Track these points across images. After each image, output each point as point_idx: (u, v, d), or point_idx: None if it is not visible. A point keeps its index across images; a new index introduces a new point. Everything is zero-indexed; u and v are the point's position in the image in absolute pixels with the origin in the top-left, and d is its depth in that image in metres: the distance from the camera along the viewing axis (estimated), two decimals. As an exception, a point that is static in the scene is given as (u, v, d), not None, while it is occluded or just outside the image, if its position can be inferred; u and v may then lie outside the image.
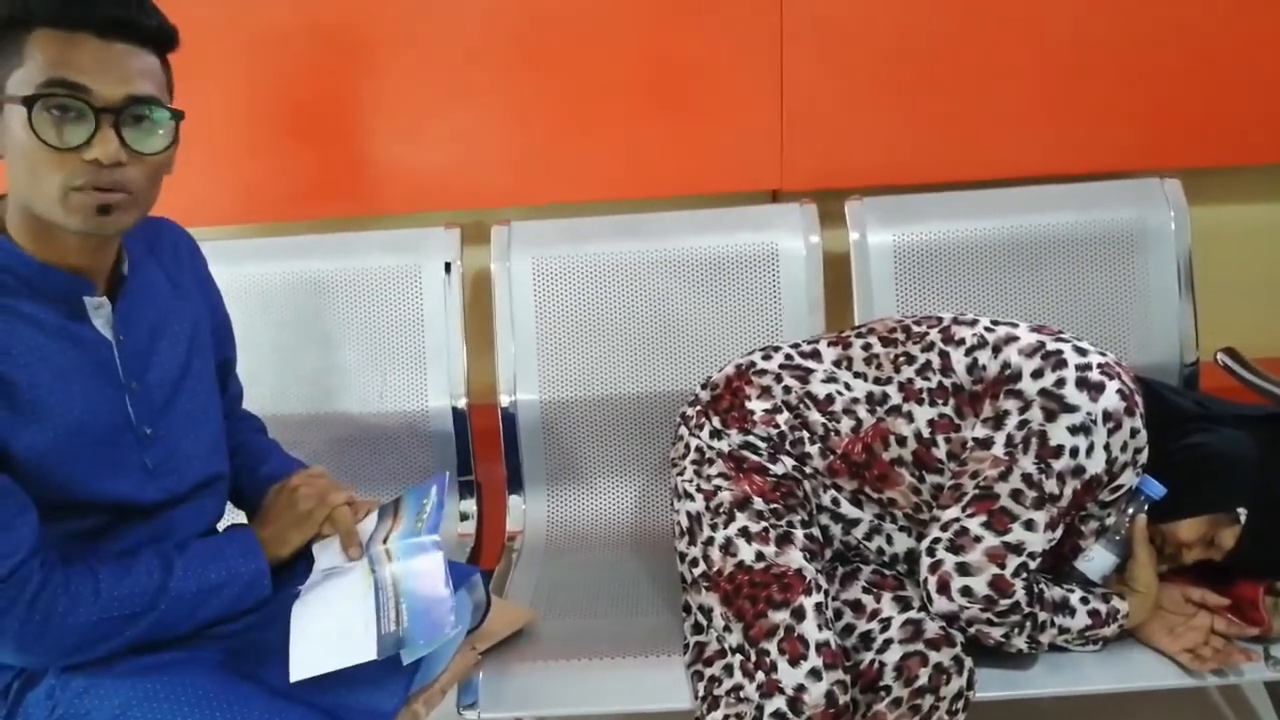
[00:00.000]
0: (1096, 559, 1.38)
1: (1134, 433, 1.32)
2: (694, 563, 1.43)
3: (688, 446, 1.50)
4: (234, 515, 1.44)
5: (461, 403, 1.83)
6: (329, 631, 1.21)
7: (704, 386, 1.56)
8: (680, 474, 1.49)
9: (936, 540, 1.32)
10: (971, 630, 1.32)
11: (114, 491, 1.15)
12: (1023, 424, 1.32)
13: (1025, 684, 1.37)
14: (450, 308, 1.82)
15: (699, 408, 1.52)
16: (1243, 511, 1.33)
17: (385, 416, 1.84)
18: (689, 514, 1.45)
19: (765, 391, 1.47)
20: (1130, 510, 1.36)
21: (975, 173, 1.84)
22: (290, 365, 1.83)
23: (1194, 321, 1.78)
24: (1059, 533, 1.32)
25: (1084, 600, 1.34)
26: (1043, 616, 1.31)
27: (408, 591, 1.22)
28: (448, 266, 1.83)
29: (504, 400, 1.82)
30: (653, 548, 1.75)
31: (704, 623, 1.41)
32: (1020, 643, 1.32)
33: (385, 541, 1.32)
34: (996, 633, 1.31)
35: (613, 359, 1.82)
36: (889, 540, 1.44)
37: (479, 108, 1.85)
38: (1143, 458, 1.34)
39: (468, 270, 1.87)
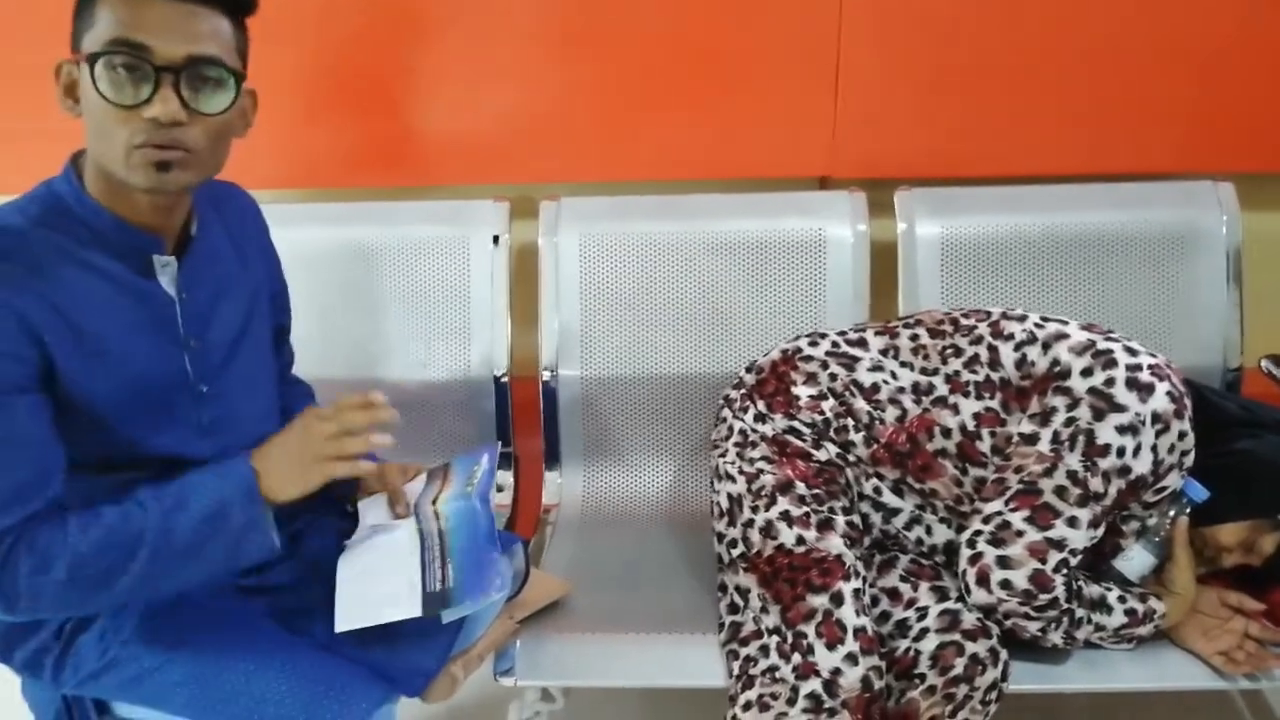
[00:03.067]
0: (1135, 559, 1.39)
1: (1181, 435, 1.32)
2: (732, 544, 1.44)
3: (730, 429, 1.51)
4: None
5: (503, 375, 1.85)
6: (375, 586, 1.24)
7: (749, 370, 1.57)
8: (722, 455, 1.50)
9: (978, 533, 1.33)
10: (1008, 623, 1.33)
11: (164, 446, 1.17)
12: (1070, 421, 1.32)
13: (1058, 679, 1.38)
14: (496, 280, 1.84)
15: (743, 391, 1.53)
16: (1286, 519, 1.33)
17: (428, 385, 1.86)
18: (729, 495, 1.46)
19: (811, 378, 1.48)
20: (1172, 512, 1.37)
21: (1025, 168, 1.83)
22: (336, 330, 1.85)
23: (1240, 327, 1.78)
24: (1100, 531, 1.33)
25: (1121, 599, 1.35)
26: (1080, 613, 1.32)
27: (455, 551, 1.24)
28: (495, 239, 1.84)
29: (545, 374, 1.83)
30: (687, 527, 1.76)
31: (740, 603, 1.43)
32: (1056, 638, 1.33)
33: (434, 503, 1.34)
34: (1033, 627, 1.32)
35: (655, 338, 1.82)
36: (928, 531, 1.45)
37: (530, 83, 1.85)
38: (1189, 460, 1.35)
39: (513, 244, 1.88)
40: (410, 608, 1.19)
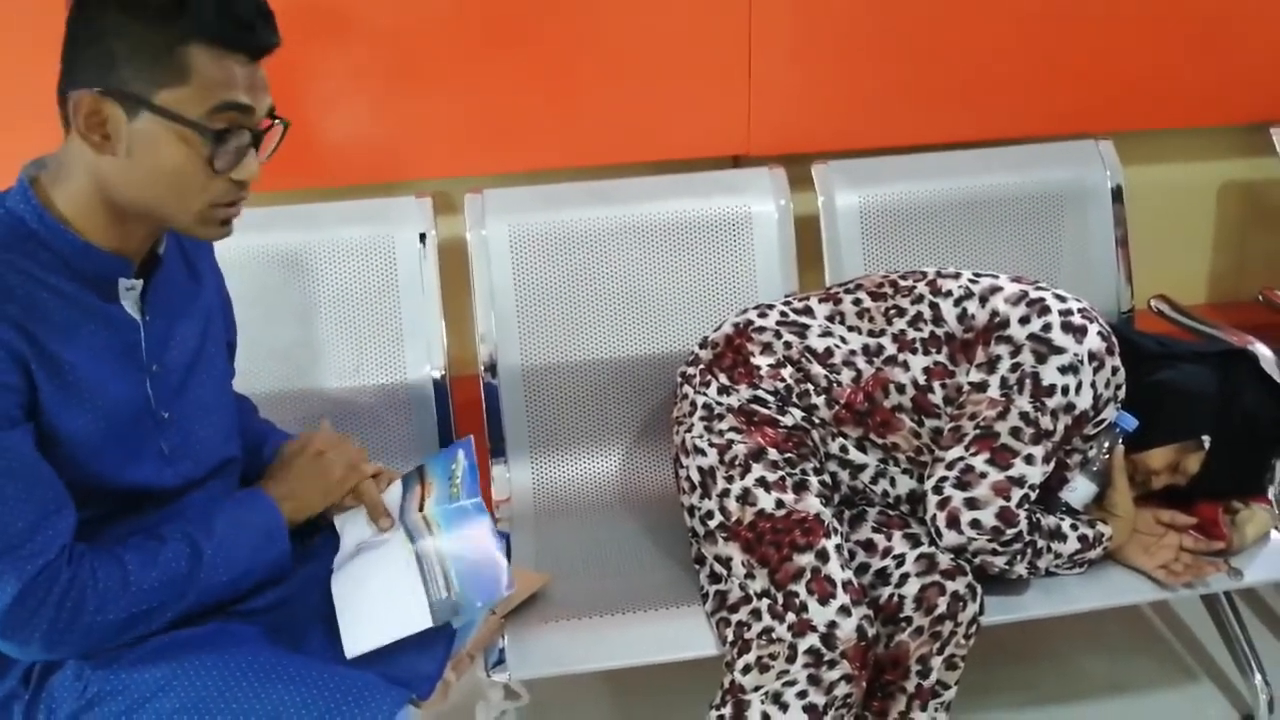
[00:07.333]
0: (1080, 489, 1.50)
1: (1115, 370, 1.44)
2: (708, 515, 1.47)
3: (694, 404, 1.54)
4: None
5: (440, 374, 1.81)
6: (378, 605, 1.21)
7: (702, 346, 1.60)
8: (689, 431, 1.52)
9: (943, 479, 1.41)
10: (977, 560, 1.41)
11: (134, 478, 1.12)
12: (1015, 367, 1.42)
13: (1020, 608, 1.48)
14: (426, 278, 1.80)
15: (701, 366, 1.56)
16: (1207, 439, 1.47)
17: (361, 391, 1.81)
18: (700, 469, 1.49)
19: (767, 348, 1.52)
20: (1108, 443, 1.48)
21: (928, 137, 1.94)
22: (259, 341, 1.76)
23: (1128, 271, 1.94)
24: (1052, 466, 1.43)
25: (1073, 527, 1.46)
26: (1041, 543, 1.42)
27: (455, 557, 1.23)
28: (422, 236, 1.80)
29: (484, 369, 1.81)
30: (642, 506, 1.79)
31: (722, 572, 1.46)
32: (1021, 569, 1.42)
33: (421, 509, 1.31)
34: (1000, 561, 1.41)
35: (592, 324, 1.83)
36: (892, 483, 1.52)
37: (442, 78, 1.82)
38: (1121, 393, 1.47)
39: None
40: (420, 620, 1.17)
